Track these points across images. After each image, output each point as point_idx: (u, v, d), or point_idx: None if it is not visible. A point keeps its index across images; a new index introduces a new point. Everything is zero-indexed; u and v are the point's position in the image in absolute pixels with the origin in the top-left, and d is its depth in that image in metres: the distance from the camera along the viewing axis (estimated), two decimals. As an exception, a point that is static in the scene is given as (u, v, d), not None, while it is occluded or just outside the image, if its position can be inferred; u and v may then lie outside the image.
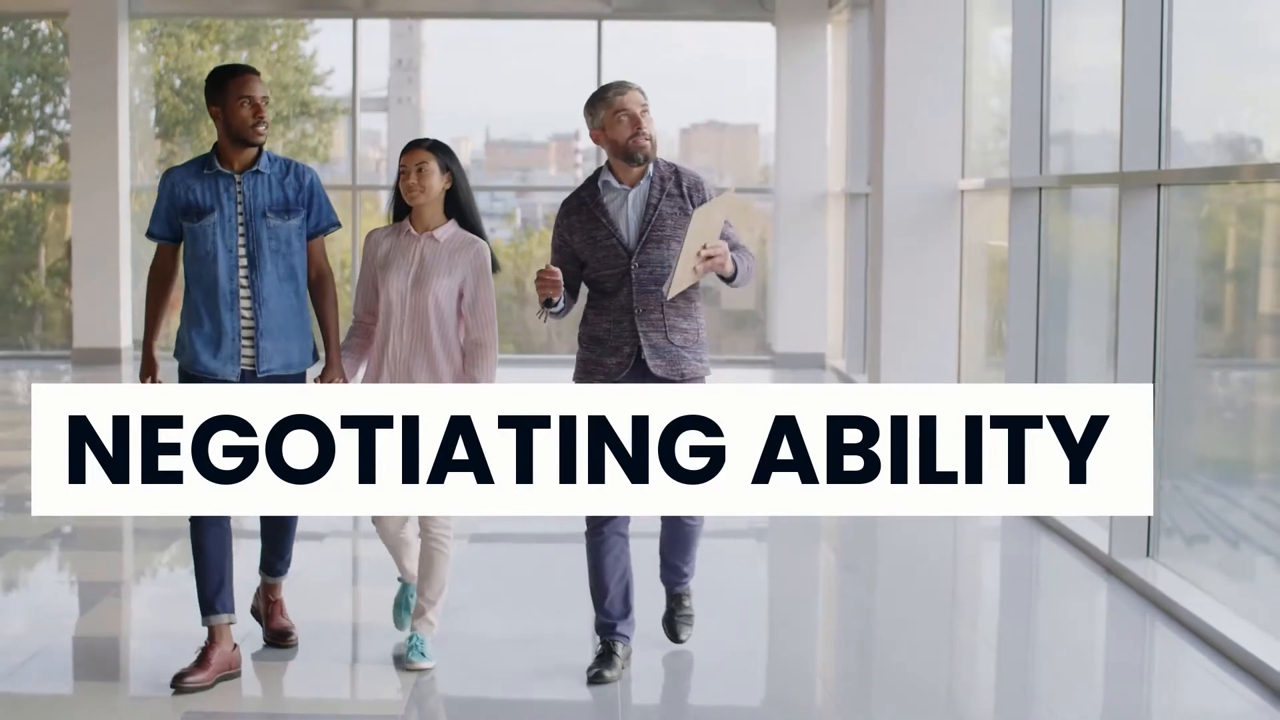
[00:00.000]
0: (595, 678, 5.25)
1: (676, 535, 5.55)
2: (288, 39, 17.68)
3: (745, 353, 15.86)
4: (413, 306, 5.32)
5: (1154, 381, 6.59)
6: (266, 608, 5.66)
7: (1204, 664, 5.52)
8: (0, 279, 17.01)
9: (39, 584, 6.93)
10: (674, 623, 5.65)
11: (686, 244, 4.99)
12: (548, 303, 5.19)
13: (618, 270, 5.22)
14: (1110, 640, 6.15)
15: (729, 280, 5.21)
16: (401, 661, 5.39)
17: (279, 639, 5.61)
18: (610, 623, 5.39)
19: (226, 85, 5.22)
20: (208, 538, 5.25)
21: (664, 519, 5.53)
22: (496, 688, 5.29)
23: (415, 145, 5.36)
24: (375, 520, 5.51)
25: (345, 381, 5.37)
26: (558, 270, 5.16)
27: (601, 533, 5.32)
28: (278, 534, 5.60)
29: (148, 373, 5.31)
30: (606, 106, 5.21)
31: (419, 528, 5.44)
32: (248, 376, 5.26)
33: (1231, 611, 5.82)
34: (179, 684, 5.14)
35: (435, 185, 5.30)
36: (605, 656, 5.33)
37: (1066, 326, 8.22)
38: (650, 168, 5.27)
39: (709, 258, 5.04)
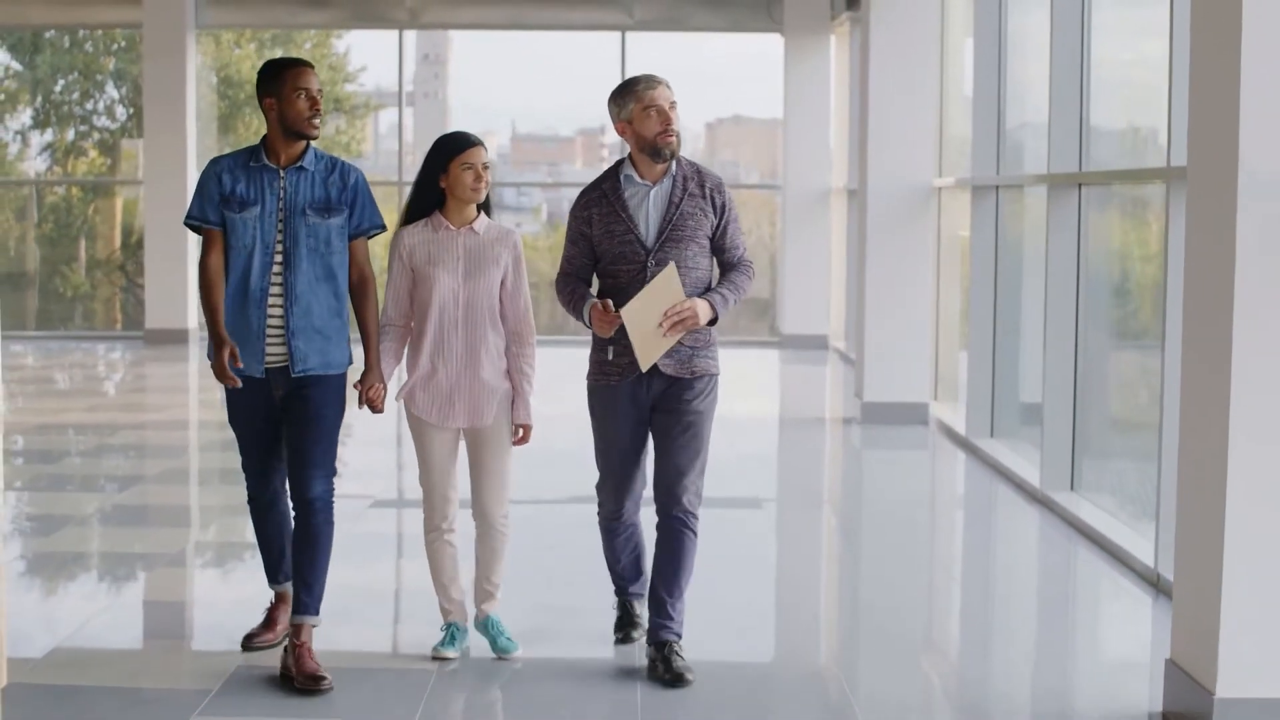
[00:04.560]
0: (623, 639, 5.46)
1: (667, 547, 5.20)
2: (322, 37, 18.43)
3: (755, 335, 17.18)
4: (466, 301, 5.17)
5: (1074, 354, 7.94)
6: (294, 650, 5.09)
7: (1114, 577, 6.85)
8: (42, 270, 17.88)
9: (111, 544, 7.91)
10: (675, 672, 5.10)
11: (640, 319, 4.93)
12: (610, 340, 5.14)
13: (633, 267, 5.08)
14: (1041, 559, 7.46)
15: (711, 323, 5.12)
16: (493, 648, 5.35)
17: (311, 684, 5.01)
18: (623, 584, 5.54)
19: (283, 77, 5.03)
20: (266, 521, 5.35)
21: (659, 530, 5.25)
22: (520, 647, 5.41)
23: (475, 143, 5.18)
24: (429, 528, 5.38)
25: (384, 386, 5.21)
26: (610, 305, 5.04)
27: (618, 519, 5.41)
28: (307, 554, 5.12)
29: (226, 349, 5.01)
30: (636, 100, 5.07)
31: (477, 527, 5.35)
32: (277, 374, 5.08)
33: (1121, 524, 7.22)
34: (249, 644, 5.34)
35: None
36: (625, 617, 5.53)
37: (1020, 306, 9.52)
38: (673, 165, 5.13)
39: (678, 322, 4.97)
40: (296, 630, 5.10)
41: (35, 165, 18.65)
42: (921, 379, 10.89)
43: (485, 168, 5.15)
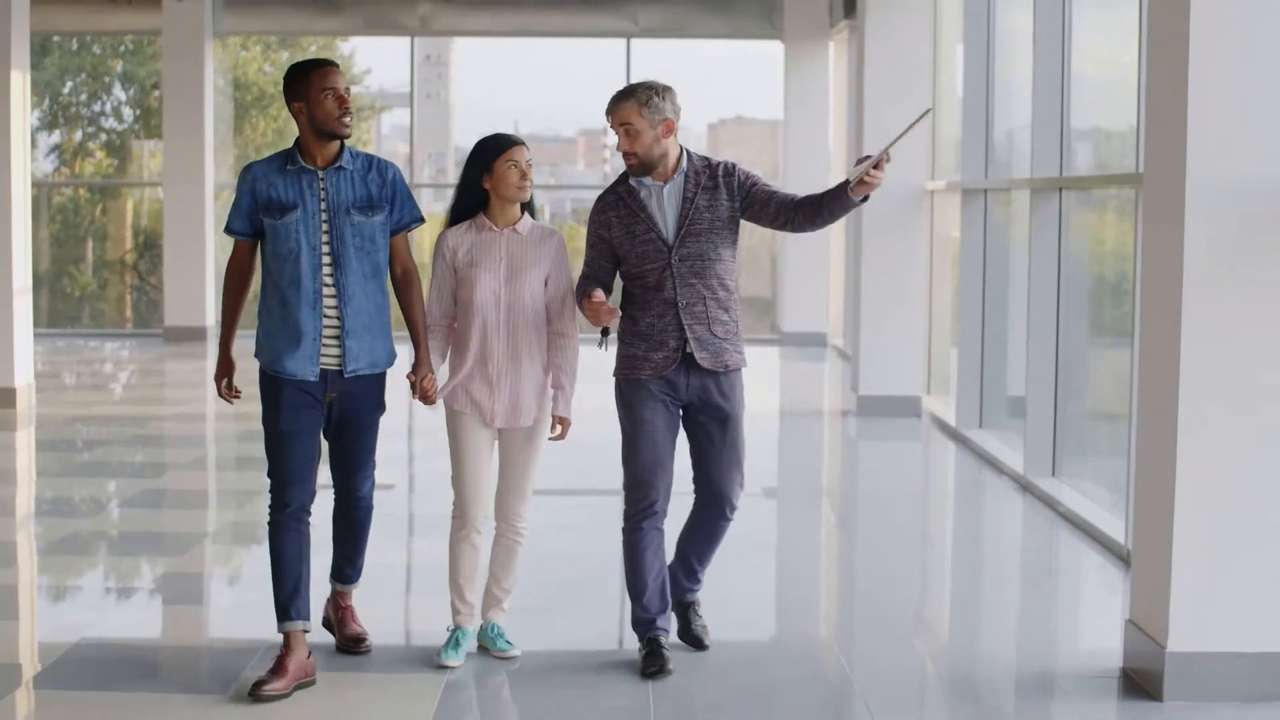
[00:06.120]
0: (656, 673, 5.17)
1: (705, 529, 5.43)
2: (328, 40, 18.78)
3: (758, 333, 17.63)
4: (508, 304, 5.17)
5: (1055, 351, 8.41)
6: (337, 614, 5.45)
7: (1094, 558, 7.33)
8: (50, 270, 18.20)
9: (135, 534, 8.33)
10: (693, 634, 5.48)
11: (890, 144, 4.87)
12: (604, 331, 5.19)
13: (658, 264, 5.14)
14: (1025, 540, 7.93)
15: (862, 201, 5.04)
16: (490, 651, 5.37)
17: (352, 645, 5.40)
18: (650, 618, 5.30)
19: (309, 78, 4.98)
20: (286, 542, 5.06)
21: (697, 507, 5.43)
22: (526, 635, 5.51)
23: (518, 142, 5.21)
24: (457, 525, 5.37)
25: (435, 375, 5.23)
26: (603, 296, 5.09)
27: (641, 528, 5.25)
28: (351, 539, 5.38)
29: (224, 374, 5.18)
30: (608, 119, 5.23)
31: (497, 526, 5.38)
32: (331, 376, 5.05)
33: (1097, 506, 7.70)
34: (257, 692, 4.89)
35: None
36: (654, 654, 5.22)
37: (1008, 304, 9.98)
38: (684, 163, 5.19)
39: (873, 170, 4.89)
40: (341, 595, 5.46)
41: (43, 166, 18.93)
42: (915, 373, 11.36)
43: (529, 165, 5.19)
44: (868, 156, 4.96)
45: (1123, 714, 4.99)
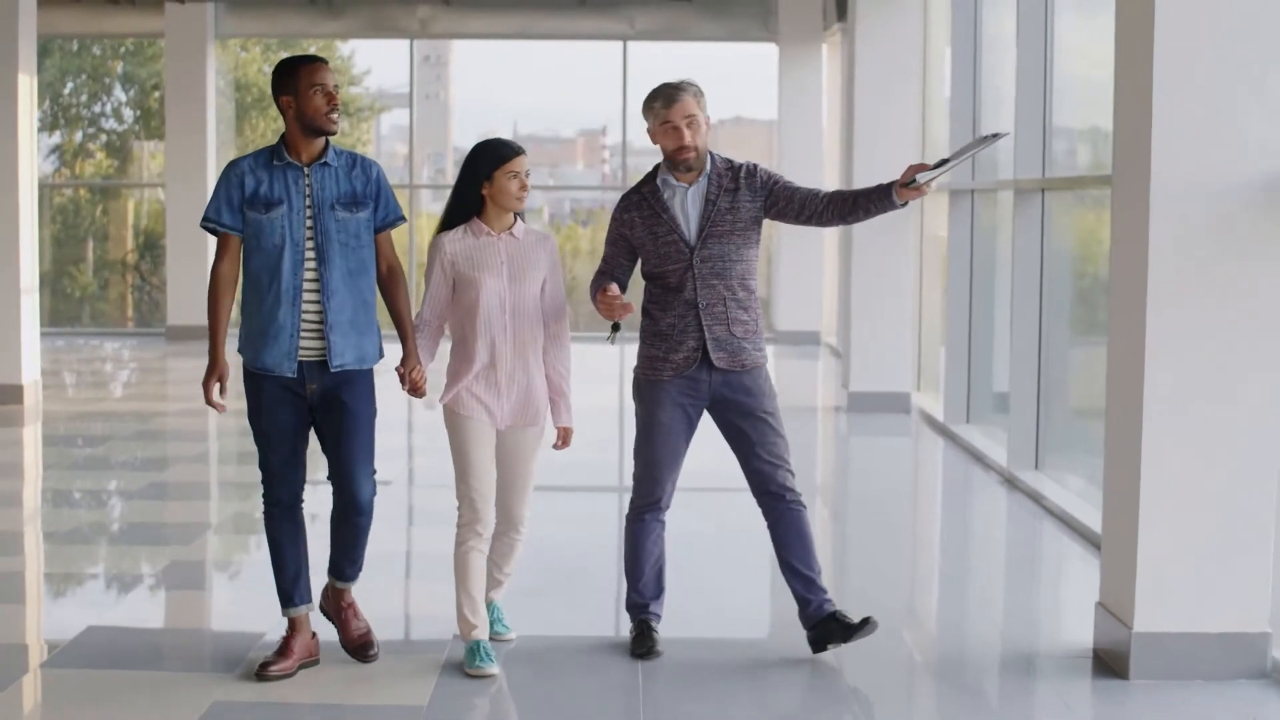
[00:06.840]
0: (646, 653, 5.35)
1: (783, 525, 5.40)
2: (328, 42, 18.94)
3: (752, 332, 17.79)
4: (513, 306, 5.18)
5: (1038, 348, 8.62)
6: (339, 615, 5.39)
7: (1073, 548, 7.54)
8: (51, 271, 18.32)
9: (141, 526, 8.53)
10: (857, 626, 5.34)
11: (959, 158, 4.98)
12: (615, 325, 5.24)
13: (680, 265, 5.19)
14: (1008, 530, 8.14)
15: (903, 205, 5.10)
16: (489, 630, 5.42)
17: (361, 652, 5.34)
18: (643, 602, 5.44)
19: (298, 74, 4.98)
20: (283, 534, 5.18)
21: (764, 513, 5.44)
22: (522, 619, 5.70)
23: (519, 151, 5.20)
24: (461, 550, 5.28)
25: (423, 369, 5.22)
26: (618, 290, 5.19)
27: (643, 519, 5.40)
28: (351, 542, 5.28)
29: (216, 376, 5.09)
30: (654, 117, 5.21)
31: (497, 524, 5.39)
32: (310, 368, 5.05)
33: (1076, 497, 7.90)
34: (264, 673, 5.05)
35: None
36: (644, 635, 5.39)
37: (994, 303, 10.17)
38: (707, 164, 5.22)
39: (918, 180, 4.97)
40: (340, 593, 5.37)
41: (43, 167, 19.01)
42: (904, 370, 11.56)
43: (527, 174, 5.20)
44: (928, 166, 5.00)
45: (1092, 692, 5.19)
